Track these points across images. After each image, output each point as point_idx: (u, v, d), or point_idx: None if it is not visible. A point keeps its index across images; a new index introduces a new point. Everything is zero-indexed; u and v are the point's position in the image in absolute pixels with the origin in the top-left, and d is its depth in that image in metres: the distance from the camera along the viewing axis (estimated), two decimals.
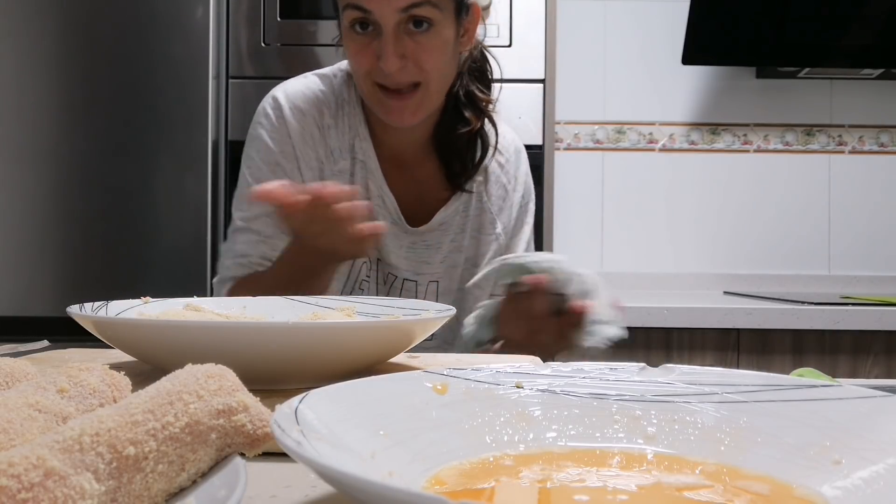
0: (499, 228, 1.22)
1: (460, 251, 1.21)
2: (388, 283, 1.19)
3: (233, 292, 1.09)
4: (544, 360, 0.87)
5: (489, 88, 1.20)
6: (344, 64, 1.20)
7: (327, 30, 1.80)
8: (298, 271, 1.00)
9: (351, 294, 1.16)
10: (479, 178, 1.21)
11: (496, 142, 1.21)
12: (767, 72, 2.30)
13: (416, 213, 1.19)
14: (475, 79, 1.19)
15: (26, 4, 1.73)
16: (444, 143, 1.19)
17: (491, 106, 1.20)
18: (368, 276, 1.17)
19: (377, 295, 1.17)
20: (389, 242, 1.17)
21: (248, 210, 1.13)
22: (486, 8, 1.17)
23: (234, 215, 1.16)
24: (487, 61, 1.21)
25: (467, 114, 1.17)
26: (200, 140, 1.73)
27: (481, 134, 1.20)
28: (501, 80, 1.21)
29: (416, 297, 1.18)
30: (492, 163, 1.22)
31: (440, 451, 0.38)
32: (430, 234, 1.19)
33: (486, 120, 1.20)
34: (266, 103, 1.17)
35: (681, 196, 2.36)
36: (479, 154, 1.20)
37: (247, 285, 1.07)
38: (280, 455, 0.40)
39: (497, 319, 1.02)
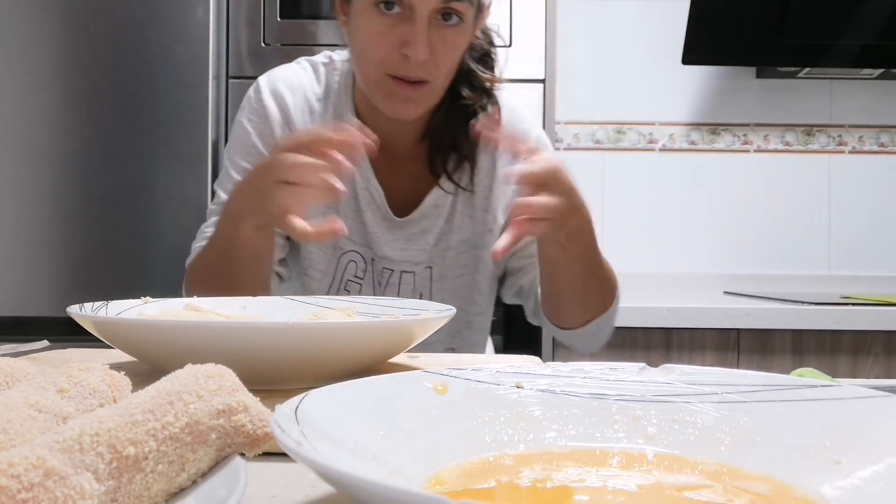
0: (497, 214, 1.16)
1: (452, 231, 1.16)
2: (384, 281, 1.16)
3: (189, 288, 1.05)
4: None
5: (492, 69, 1.13)
6: (327, 54, 1.18)
7: (327, 30, 1.80)
8: (228, 243, 0.95)
9: (337, 294, 1.14)
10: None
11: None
12: (767, 72, 2.30)
13: (405, 203, 1.15)
14: (475, 60, 1.12)
15: (26, 4, 1.73)
16: (439, 133, 1.13)
17: (494, 85, 1.13)
18: (360, 277, 1.15)
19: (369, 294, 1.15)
20: (381, 235, 1.14)
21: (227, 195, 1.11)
22: (487, 7, 1.15)
23: (213, 201, 1.14)
24: (491, 43, 1.14)
25: (465, 93, 1.10)
26: (200, 140, 1.73)
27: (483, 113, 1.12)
28: (504, 80, 1.17)
29: (414, 287, 1.16)
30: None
31: (440, 451, 0.38)
32: (422, 221, 1.15)
33: (488, 100, 1.12)
34: (250, 89, 1.16)
35: (681, 196, 2.36)
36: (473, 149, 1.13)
37: (195, 273, 1.05)
38: (280, 455, 0.40)
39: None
